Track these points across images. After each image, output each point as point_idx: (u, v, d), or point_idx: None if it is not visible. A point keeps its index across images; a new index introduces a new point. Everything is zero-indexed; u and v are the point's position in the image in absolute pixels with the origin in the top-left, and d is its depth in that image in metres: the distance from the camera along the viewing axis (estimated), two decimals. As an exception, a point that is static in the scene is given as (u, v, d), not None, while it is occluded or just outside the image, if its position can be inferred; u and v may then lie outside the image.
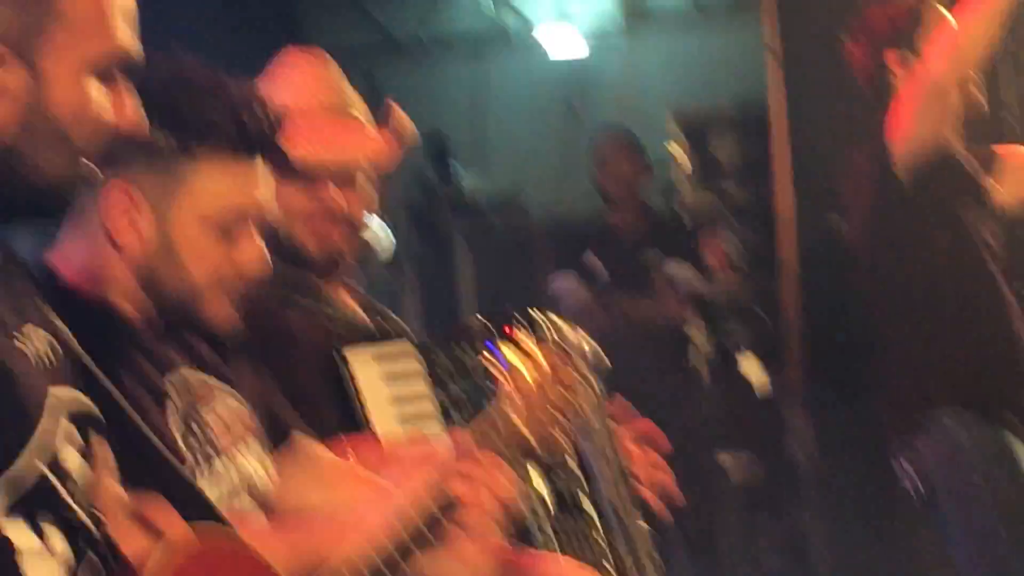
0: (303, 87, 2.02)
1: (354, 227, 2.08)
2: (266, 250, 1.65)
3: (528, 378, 1.66)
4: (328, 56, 2.12)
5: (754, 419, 5.29)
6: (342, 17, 7.06)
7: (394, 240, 2.68)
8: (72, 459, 1.19)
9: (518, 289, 6.00)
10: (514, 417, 1.63)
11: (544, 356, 1.70)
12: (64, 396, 1.21)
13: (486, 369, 1.81)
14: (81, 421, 1.23)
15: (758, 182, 5.37)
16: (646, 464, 2.18)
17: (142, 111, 1.29)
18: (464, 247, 6.55)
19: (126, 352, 1.55)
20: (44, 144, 1.18)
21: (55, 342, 1.24)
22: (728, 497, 5.16)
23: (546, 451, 1.71)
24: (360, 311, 2.13)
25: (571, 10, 6.94)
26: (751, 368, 5.22)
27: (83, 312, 1.47)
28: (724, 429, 5.26)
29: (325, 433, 1.82)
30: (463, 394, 2.01)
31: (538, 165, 6.87)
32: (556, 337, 1.84)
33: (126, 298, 1.59)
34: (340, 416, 1.92)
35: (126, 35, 1.23)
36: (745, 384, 5.28)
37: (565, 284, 5.14)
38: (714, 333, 5.52)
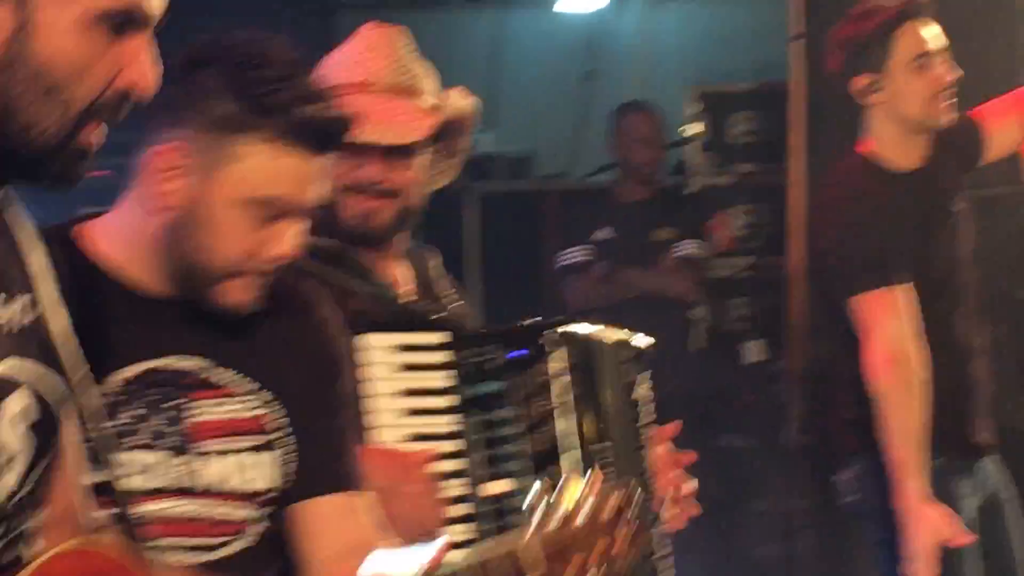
0: (369, 62, 2.01)
1: (407, 203, 2.03)
2: (303, 240, 1.59)
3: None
4: (404, 32, 2.09)
5: (754, 399, 5.34)
6: None
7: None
8: (8, 434, 1.10)
9: (526, 258, 6.03)
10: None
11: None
12: (15, 361, 1.12)
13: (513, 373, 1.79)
14: (28, 393, 1.14)
15: (773, 161, 5.36)
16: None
17: (156, 76, 1.16)
18: (474, 209, 6.54)
19: (108, 322, 1.50)
20: (31, 97, 1.06)
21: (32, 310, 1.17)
22: (727, 477, 5.22)
23: None
24: (410, 290, 2.10)
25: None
26: (754, 350, 5.25)
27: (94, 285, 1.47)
28: (724, 409, 5.32)
29: None
30: (488, 394, 1.95)
31: (552, 130, 6.86)
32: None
33: (146, 268, 1.55)
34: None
35: None
36: (747, 363, 5.31)
37: (575, 262, 5.16)
38: (719, 311, 5.56)
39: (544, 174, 6.77)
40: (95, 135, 1.11)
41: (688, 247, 5.22)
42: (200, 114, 1.49)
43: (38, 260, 1.21)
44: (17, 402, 1.11)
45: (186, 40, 1.58)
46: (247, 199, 1.51)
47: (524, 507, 1.40)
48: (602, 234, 5.20)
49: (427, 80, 2.07)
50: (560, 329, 1.99)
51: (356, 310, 1.89)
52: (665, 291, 5.20)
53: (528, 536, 1.32)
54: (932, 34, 3.15)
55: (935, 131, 3.21)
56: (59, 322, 1.21)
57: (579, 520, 1.34)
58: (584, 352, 2.00)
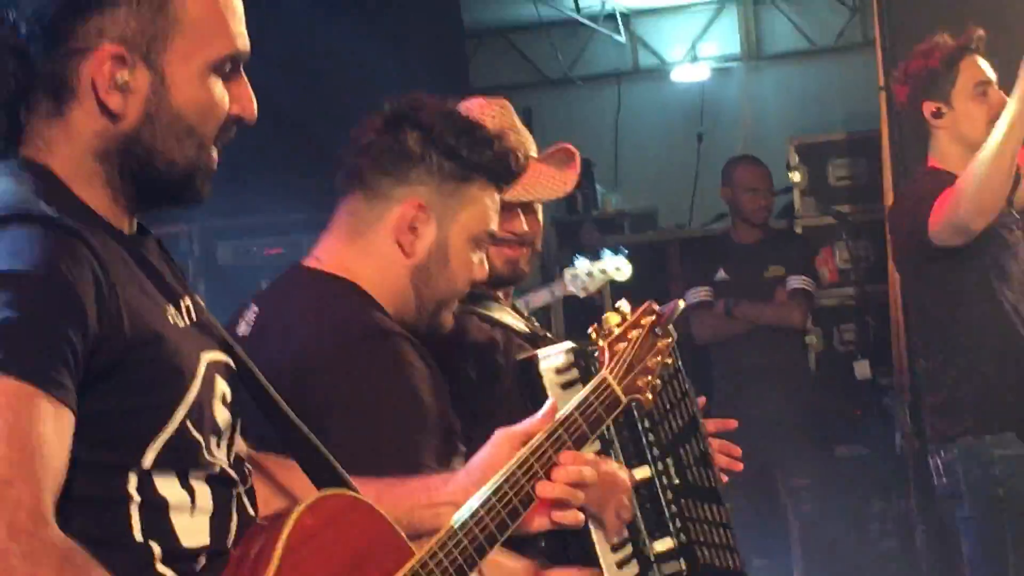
0: (498, 120, 2.17)
1: (535, 249, 2.28)
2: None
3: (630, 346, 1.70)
4: (505, 104, 2.29)
5: (865, 415, 5.90)
6: (503, 59, 8.14)
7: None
8: (220, 411, 1.25)
9: (655, 301, 6.74)
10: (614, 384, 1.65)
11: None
12: (213, 354, 1.26)
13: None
14: (227, 375, 1.29)
15: (870, 202, 5.92)
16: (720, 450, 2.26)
17: (255, 103, 1.32)
18: (606, 261, 7.32)
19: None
20: (172, 137, 1.24)
21: (200, 306, 1.32)
22: (847, 482, 5.73)
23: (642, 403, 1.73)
24: (518, 317, 2.30)
25: (699, 51, 7.79)
26: (862, 369, 5.82)
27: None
28: (840, 423, 5.90)
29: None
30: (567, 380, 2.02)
31: (671, 186, 7.70)
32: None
33: (396, 299, 1.79)
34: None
35: (240, 37, 1.28)
36: (857, 383, 5.88)
37: (699, 301, 5.72)
38: (830, 336, 6.15)
39: (666, 226, 7.58)
40: (215, 157, 1.31)
41: (798, 281, 5.74)
42: (429, 174, 1.76)
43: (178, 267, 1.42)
44: (222, 377, 1.28)
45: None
46: (472, 236, 1.81)
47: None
48: (721, 275, 5.86)
49: (533, 144, 2.27)
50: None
51: (496, 337, 2.11)
52: (781, 322, 5.72)
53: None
54: (988, 65, 3.45)
55: None
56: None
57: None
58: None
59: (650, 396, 1.71)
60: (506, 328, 2.13)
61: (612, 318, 1.74)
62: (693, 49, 7.89)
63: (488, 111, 2.16)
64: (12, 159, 1.20)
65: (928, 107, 3.43)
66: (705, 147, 7.52)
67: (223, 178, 1.35)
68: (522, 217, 2.17)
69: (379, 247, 1.75)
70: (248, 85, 1.31)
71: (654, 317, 1.74)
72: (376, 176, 1.74)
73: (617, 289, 4.01)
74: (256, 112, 1.31)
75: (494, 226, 1.84)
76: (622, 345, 1.70)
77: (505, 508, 1.42)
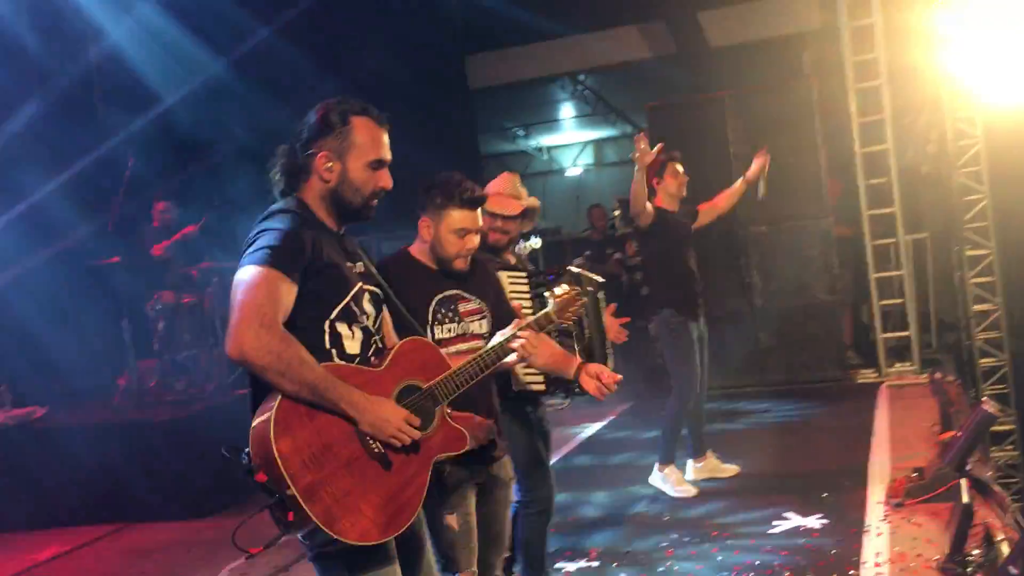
0: (501, 184, 4.14)
1: (512, 237, 4.16)
2: (477, 244, 3.24)
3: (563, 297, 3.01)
4: (515, 174, 4.32)
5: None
6: (504, 141, 17.75)
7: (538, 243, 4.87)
8: (368, 306, 2.66)
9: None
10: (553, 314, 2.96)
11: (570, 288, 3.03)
12: (368, 285, 2.69)
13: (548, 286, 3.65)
14: (374, 295, 2.71)
15: None
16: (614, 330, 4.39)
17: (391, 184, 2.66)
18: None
19: (422, 281, 3.22)
20: (351, 192, 2.61)
21: (372, 271, 2.75)
22: None
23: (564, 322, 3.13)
24: (512, 262, 4.23)
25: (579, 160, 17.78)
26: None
27: (418, 264, 3.29)
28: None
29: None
30: (539, 297, 3.94)
31: (565, 216, 17.33)
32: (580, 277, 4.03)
33: (427, 258, 3.28)
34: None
35: (384, 149, 2.63)
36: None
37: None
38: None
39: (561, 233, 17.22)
40: (375, 204, 2.70)
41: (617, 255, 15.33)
42: (435, 206, 3.21)
43: (363, 253, 2.83)
44: (370, 294, 2.70)
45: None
46: (453, 230, 3.22)
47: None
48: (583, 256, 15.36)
49: (522, 191, 4.23)
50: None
51: (496, 268, 3.82)
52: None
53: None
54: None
55: None
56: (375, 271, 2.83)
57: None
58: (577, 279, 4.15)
59: (569, 322, 3.23)
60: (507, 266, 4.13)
61: (560, 287, 3.06)
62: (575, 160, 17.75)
63: (502, 179, 4.22)
64: (292, 196, 2.64)
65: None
66: (581, 203, 17.10)
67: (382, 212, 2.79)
68: (506, 222, 4.10)
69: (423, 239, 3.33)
70: (388, 172, 2.67)
71: (575, 292, 3.05)
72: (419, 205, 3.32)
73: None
74: (391, 185, 2.68)
75: (466, 225, 3.20)
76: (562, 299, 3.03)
77: (499, 348, 2.84)
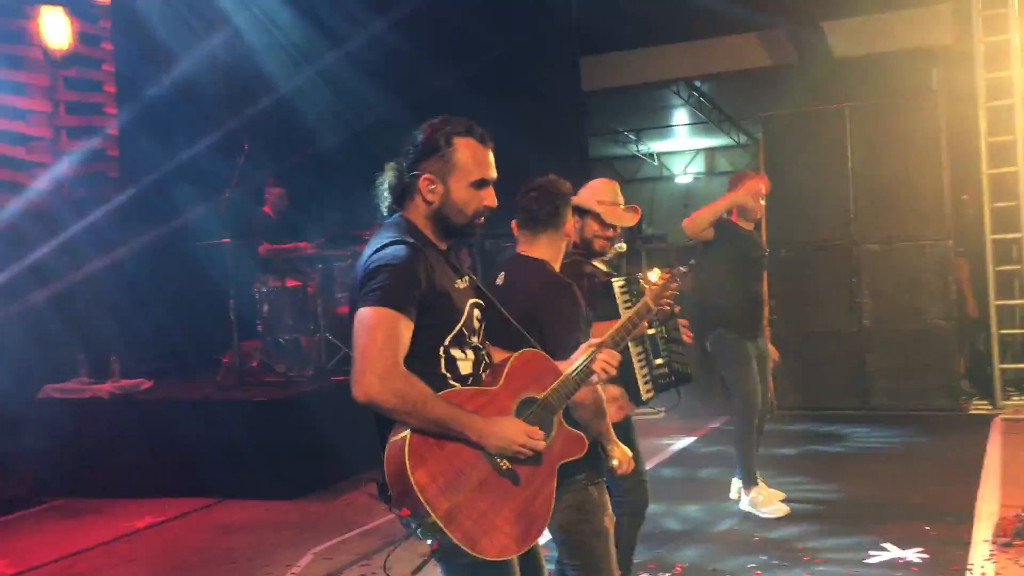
0: (601, 190, 4.14)
1: (611, 240, 4.10)
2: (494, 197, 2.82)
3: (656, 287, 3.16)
4: (614, 181, 4.29)
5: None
6: (614, 145, 17.75)
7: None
8: (476, 322, 2.68)
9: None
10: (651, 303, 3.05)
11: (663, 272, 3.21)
12: (474, 300, 2.69)
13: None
14: (480, 308, 2.73)
15: None
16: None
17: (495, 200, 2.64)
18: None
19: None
20: (455, 212, 2.63)
21: (474, 280, 2.75)
22: None
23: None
24: (604, 268, 4.20)
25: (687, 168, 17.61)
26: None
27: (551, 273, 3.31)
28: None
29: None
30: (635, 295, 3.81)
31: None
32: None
33: (557, 265, 3.33)
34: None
35: (488, 169, 2.64)
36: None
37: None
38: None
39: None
40: (480, 222, 2.70)
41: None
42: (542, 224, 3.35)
43: (465, 264, 2.88)
44: (477, 309, 2.73)
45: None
46: (567, 241, 3.40)
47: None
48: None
49: (620, 197, 4.20)
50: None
51: (596, 273, 3.95)
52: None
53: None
54: None
55: None
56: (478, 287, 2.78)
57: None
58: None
59: (667, 307, 3.60)
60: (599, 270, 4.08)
61: (654, 272, 3.24)
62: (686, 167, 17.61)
63: (605, 185, 4.21)
64: (400, 216, 2.68)
65: None
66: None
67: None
68: (607, 229, 4.12)
69: (545, 245, 3.39)
70: (492, 191, 2.68)
71: (669, 275, 3.26)
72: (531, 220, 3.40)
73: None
74: (496, 204, 2.69)
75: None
76: (657, 286, 3.21)
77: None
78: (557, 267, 3.35)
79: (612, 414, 3.19)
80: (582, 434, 2.73)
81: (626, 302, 3.76)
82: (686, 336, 4.16)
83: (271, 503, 6.45)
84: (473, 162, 2.62)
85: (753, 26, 11.19)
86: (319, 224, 8.72)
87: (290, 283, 7.81)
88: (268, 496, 6.55)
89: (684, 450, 7.72)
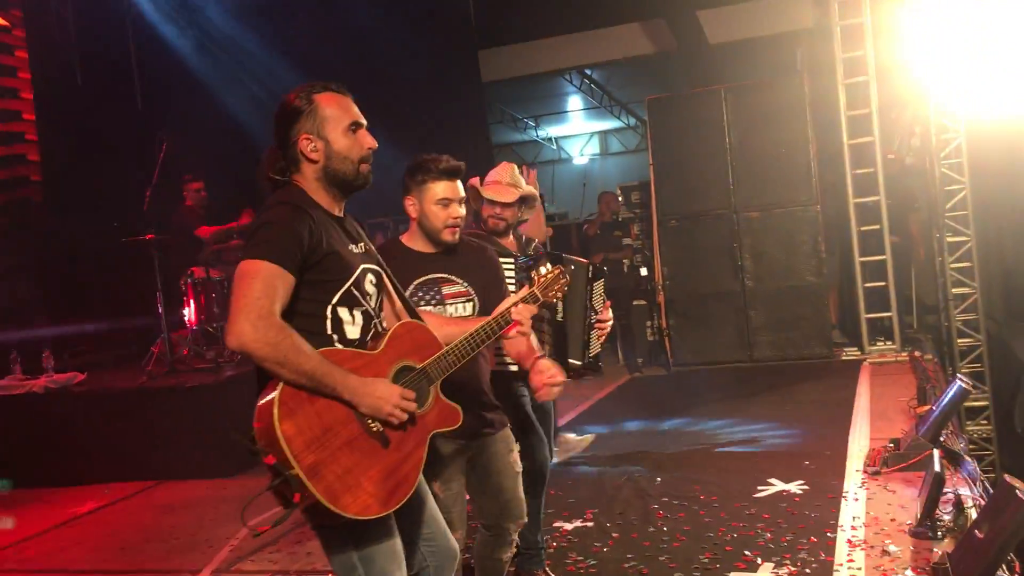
0: (499, 173, 4.09)
1: (509, 221, 4.06)
2: (462, 214, 3.25)
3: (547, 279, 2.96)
4: (512, 164, 4.21)
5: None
6: (515, 131, 17.74)
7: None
8: (369, 287, 2.58)
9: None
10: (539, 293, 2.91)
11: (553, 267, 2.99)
12: (368, 265, 2.59)
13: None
14: (375, 275, 2.62)
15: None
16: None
17: (373, 140, 2.56)
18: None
19: (405, 265, 3.21)
20: (341, 161, 2.53)
21: (371, 249, 2.66)
22: None
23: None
24: (510, 248, 4.07)
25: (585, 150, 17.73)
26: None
27: (404, 248, 3.32)
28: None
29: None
30: (527, 280, 3.21)
31: (569, 201, 17.26)
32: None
33: (416, 243, 3.32)
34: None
35: (353, 113, 2.55)
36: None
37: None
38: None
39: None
40: (367, 168, 2.59)
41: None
42: (416, 183, 3.23)
43: (364, 233, 2.72)
44: (372, 275, 2.61)
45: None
46: (439, 200, 3.23)
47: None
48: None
49: (520, 179, 4.15)
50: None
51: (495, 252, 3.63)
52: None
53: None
54: None
55: None
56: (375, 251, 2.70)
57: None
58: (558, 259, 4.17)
59: (554, 300, 3.00)
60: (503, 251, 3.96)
61: (545, 267, 3.02)
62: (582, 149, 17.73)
63: (500, 168, 4.16)
64: (290, 184, 2.57)
65: None
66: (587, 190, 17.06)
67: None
68: (503, 209, 4.04)
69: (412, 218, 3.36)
70: (368, 133, 2.60)
71: (559, 271, 3.05)
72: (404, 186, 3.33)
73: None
74: (376, 144, 2.59)
75: (450, 195, 3.21)
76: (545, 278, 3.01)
77: (490, 326, 2.81)
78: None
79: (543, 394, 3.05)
80: (458, 408, 2.66)
81: (510, 279, 3.72)
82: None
83: (211, 481, 6.38)
84: (341, 109, 2.55)
85: (636, 16, 11.39)
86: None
87: (215, 274, 7.69)
88: (208, 476, 6.46)
89: (593, 407, 7.92)
